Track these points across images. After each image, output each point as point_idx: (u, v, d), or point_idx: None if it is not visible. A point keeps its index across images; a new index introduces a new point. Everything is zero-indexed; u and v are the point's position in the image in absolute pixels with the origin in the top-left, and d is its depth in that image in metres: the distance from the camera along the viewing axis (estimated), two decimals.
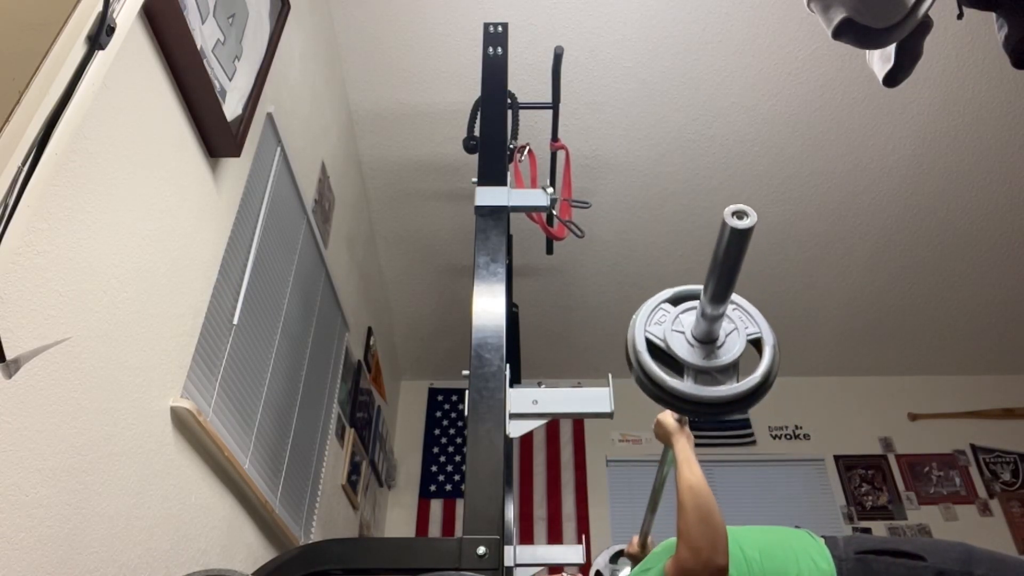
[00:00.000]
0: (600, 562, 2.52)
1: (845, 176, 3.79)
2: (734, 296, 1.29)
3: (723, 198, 3.89)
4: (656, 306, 1.38)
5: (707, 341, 1.30)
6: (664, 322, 1.34)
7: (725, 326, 1.30)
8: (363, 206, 3.82)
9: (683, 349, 1.30)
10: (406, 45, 3.24)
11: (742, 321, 1.33)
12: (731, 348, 1.29)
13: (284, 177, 2.41)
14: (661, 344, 1.32)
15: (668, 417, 1.69)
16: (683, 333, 1.32)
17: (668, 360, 1.31)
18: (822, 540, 1.58)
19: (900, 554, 1.49)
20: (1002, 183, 3.80)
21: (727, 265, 1.12)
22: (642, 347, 1.32)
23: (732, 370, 1.28)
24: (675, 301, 1.38)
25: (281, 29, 2.13)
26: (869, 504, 4.58)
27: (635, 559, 2.24)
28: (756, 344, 1.32)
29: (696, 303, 1.30)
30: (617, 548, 2.52)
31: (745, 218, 1.04)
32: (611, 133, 3.59)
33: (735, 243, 1.07)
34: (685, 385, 1.27)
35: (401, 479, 4.68)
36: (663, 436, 1.71)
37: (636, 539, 2.23)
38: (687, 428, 1.67)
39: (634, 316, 1.38)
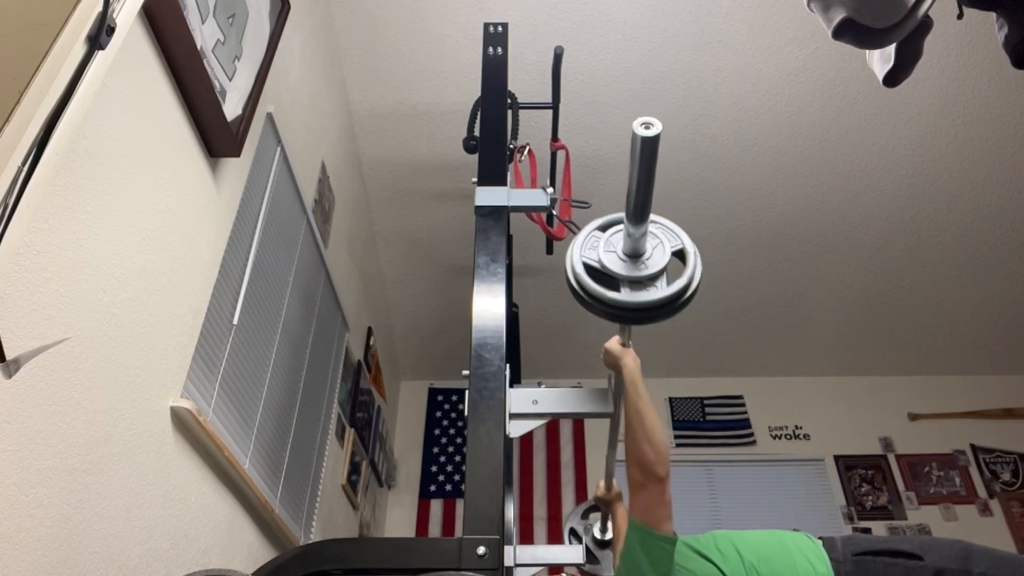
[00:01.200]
0: (573, 519, 2.55)
1: (845, 176, 3.79)
2: (656, 217, 1.45)
3: (723, 198, 3.90)
4: (588, 234, 1.53)
5: (636, 256, 1.44)
6: (597, 247, 1.49)
7: (651, 242, 1.45)
8: (363, 206, 3.82)
9: (616, 265, 1.45)
10: (406, 45, 3.24)
11: (666, 236, 1.48)
12: (658, 259, 1.44)
13: (284, 177, 2.41)
14: (596, 265, 1.46)
15: (613, 343, 1.72)
16: (614, 252, 1.47)
17: (604, 279, 1.45)
18: (820, 542, 1.58)
19: (898, 554, 1.49)
20: (1002, 183, 3.80)
21: (642, 177, 1.25)
22: (580, 270, 1.47)
23: (661, 276, 1.43)
24: (604, 228, 1.52)
25: (281, 29, 2.13)
26: (869, 504, 4.58)
27: (603, 502, 2.28)
28: (680, 255, 1.46)
29: (623, 226, 1.44)
30: (588, 504, 2.56)
31: (652, 127, 1.17)
32: (611, 133, 3.59)
33: (646, 152, 1.20)
34: (621, 295, 1.42)
35: (401, 479, 4.68)
36: (611, 363, 1.72)
37: (602, 483, 2.26)
38: (632, 349, 1.70)
39: (570, 246, 1.53)
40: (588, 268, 1.47)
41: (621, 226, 1.46)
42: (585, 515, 2.55)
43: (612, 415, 1.79)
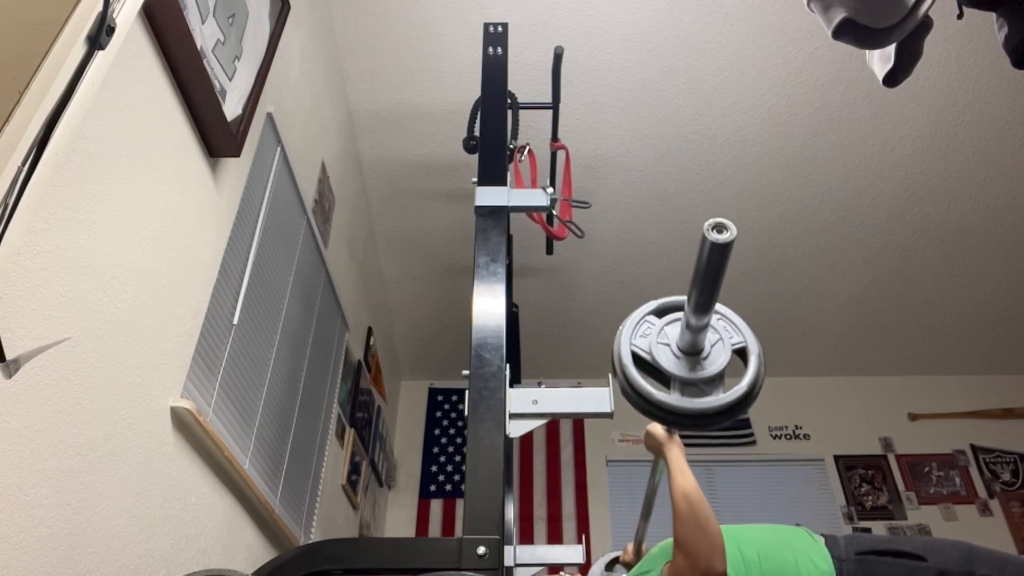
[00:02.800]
0: (596, 571, 2.51)
1: (845, 176, 3.79)
2: (718, 306, 1.29)
3: (723, 198, 3.90)
4: (641, 318, 1.38)
5: (692, 352, 1.30)
6: (649, 334, 1.35)
7: (710, 337, 1.31)
8: (363, 206, 3.82)
9: (669, 361, 1.31)
10: (406, 45, 3.24)
11: (726, 331, 1.34)
12: (716, 359, 1.30)
13: (284, 177, 2.41)
14: (647, 357, 1.32)
15: (658, 427, 1.68)
16: (668, 345, 1.33)
17: (654, 372, 1.32)
18: (822, 539, 1.57)
19: (901, 554, 1.48)
20: (1002, 183, 3.80)
21: (709, 278, 1.12)
22: (628, 360, 1.33)
23: (718, 381, 1.29)
24: (660, 313, 1.39)
25: (281, 29, 2.13)
26: (869, 504, 4.58)
27: (630, 567, 2.22)
28: (741, 353, 1.33)
29: (680, 314, 1.31)
30: (612, 555, 2.51)
31: (725, 232, 1.05)
32: (611, 133, 3.59)
33: (716, 257, 1.08)
34: (672, 398, 1.28)
35: (401, 479, 4.68)
36: (654, 447, 1.70)
37: (631, 547, 2.22)
38: (677, 436, 1.67)
39: (620, 328, 1.38)
40: (637, 358, 1.33)
41: (679, 314, 1.33)
42: (609, 566, 2.51)
43: (611, 415, 1.79)
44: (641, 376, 1.30)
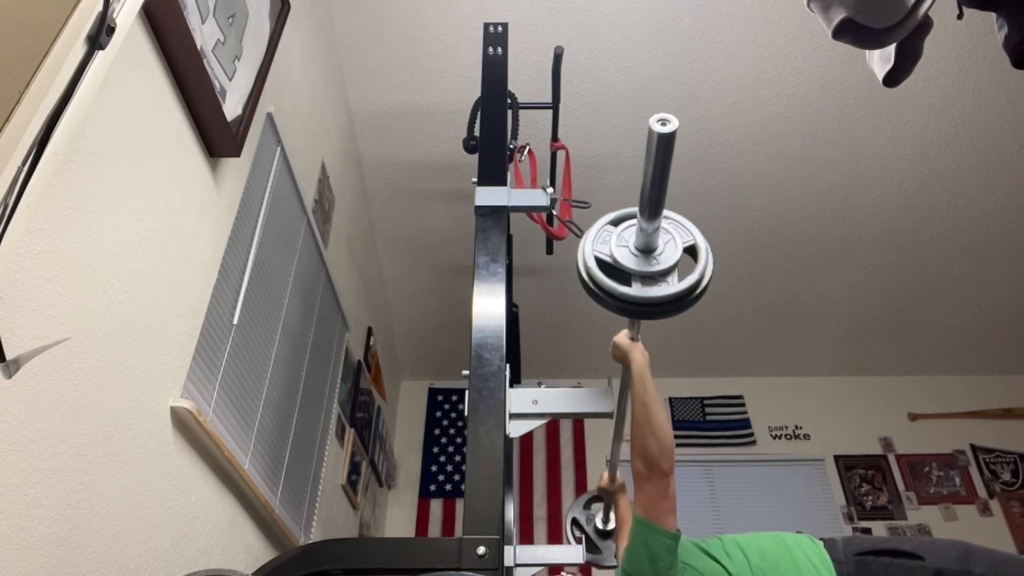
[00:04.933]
0: (576, 510, 2.55)
1: (845, 176, 3.79)
2: (668, 212, 1.44)
3: (723, 198, 3.90)
4: (600, 228, 1.52)
5: (648, 251, 1.45)
6: (609, 241, 1.48)
7: (663, 237, 1.46)
8: (363, 206, 3.82)
9: (628, 259, 1.45)
10: (406, 45, 3.24)
11: (678, 232, 1.48)
12: (669, 255, 1.44)
13: (284, 177, 2.41)
14: (608, 259, 1.46)
15: (622, 336, 1.73)
16: (626, 247, 1.47)
17: (616, 273, 1.45)
18: (822, 544, 1.58)
19: (899, 554, 1.49)
20: (1002, 183, 3.80)
21: (657, 171, 1.24)
22: (592, 263, 1.46)
23: (672, 271, 1.44)
24: (616, 223, 1.52)
25: (281, 29, 2.13)
26: (869, 504, 4.58)
27: (607, 492, 2.29)
28: (691, 251, 1.47)
29: (635, 221, 1.44)
30: (590, 494, 2.56)
31: (668, 123, 1.16)
32: (611, 133, 3.59)
33: (662, 149, 1.19)
34: (633, 290, 1.42)
35: (401, 479, 4.68)
36: (620, 356, 1.73)
37: (605, 474, 2.27)
38: (640, 344, 1.71)
39: (581, 240, 1.52)
40: (600, 262, 1.47)
41: (634, 221, 1.46)
42: (587, 505, 2.56)
43: (615, 412, 1.79)
44: (605, 276, 1.44)
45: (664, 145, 1.19)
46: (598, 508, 2.48)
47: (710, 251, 1.46)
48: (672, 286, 1.41)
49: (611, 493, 2.27)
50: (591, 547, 2.41)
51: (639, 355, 1.67)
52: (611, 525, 2.38)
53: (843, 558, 1.52)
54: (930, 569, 1.44)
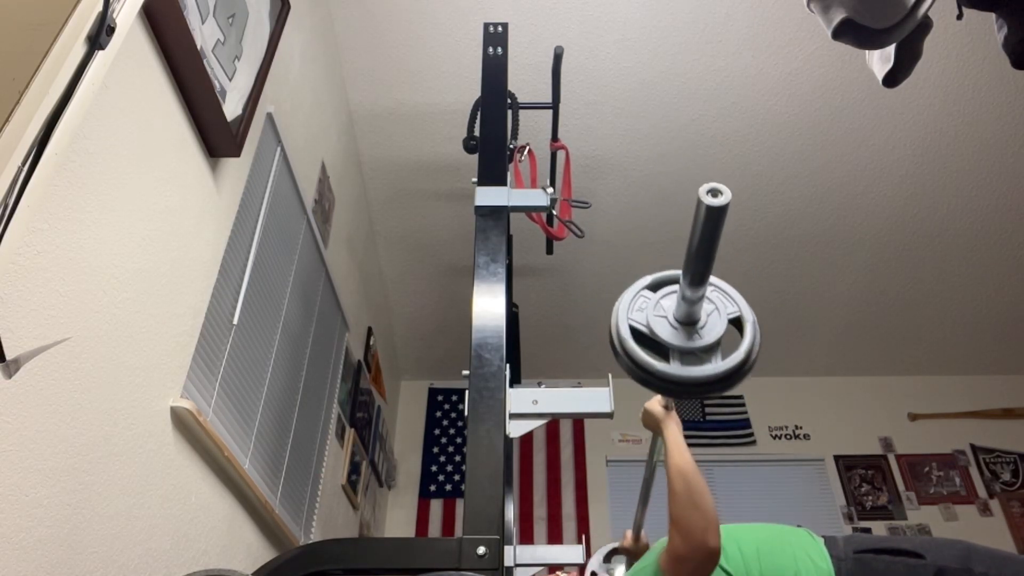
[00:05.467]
0: (595, 562, 2.50)
1: (845, 176, 3.79)
2: (713, 278, 1.32)
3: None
4: (636, 293, 1.40)
5: (689, 323, 1.32)
6: (646, 308, 1.36)
7: (705, 307, 1.33)
8: (363, 206, 3.82)
9: (666, 332, 1.32)
10: (406, 45, 3.24)
11: (721, 302, 1.35)
12: (713, 328, 1.31)
13: (284, 177, 2.41)
14: (644, 330, 1.34)
15: (655, 404, 1.69)
16: (665, 317, 1.34)
17: (652, 344, 1.33)
18: (821, 540, 1.57)
19: (899, 552, 1.48)
20: (1002, 183, 3.80)
21: (704, 245, 1.13)
22: (626, 334, 1.34)
23: (715, 349, 1.30)
24: (654, 287, 1.40)
25: (281, 29, 2.13)
26: (869, 504, 4.58)
27: (629, 553, 2.23)
28: (737, 323, 1.34)
29: (676, 287, 1.32)
30: (611, 546, 2.51)
31: (720, 195, 1.05)
32: (611, 133, 3.59)
33: (711, 221, 1.08)
34: (671, 367, 1.29)
35: (401, 479, 4.68)
36: (651, 424, 1.70)
37: (629, 533, 2.22)
38: (674, 413, 1.67)
39: (616, 305, 1.40)
40: (635, 332, 1.34)
41: (674, 287, 1.33)
42: (607, 558, 2.50)
43: (611, 415, 1.79)
44: (640, 348, 1.31)
45: (714, 219, 1.08)
46: (619, 559, 2.41)
47: (757, 324, 1.32)
48: (715, 365, 1.27)
49: (635, 554, 2.17)
50: None
51: (674, 425, 1.61)
52: None
53: (843, 554, 1.51)
54: (931, 567, 1.44)
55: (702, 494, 1.40)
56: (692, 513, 1.38)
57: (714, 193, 1.05)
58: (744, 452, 4.80)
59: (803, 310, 4.59)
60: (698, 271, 1.19)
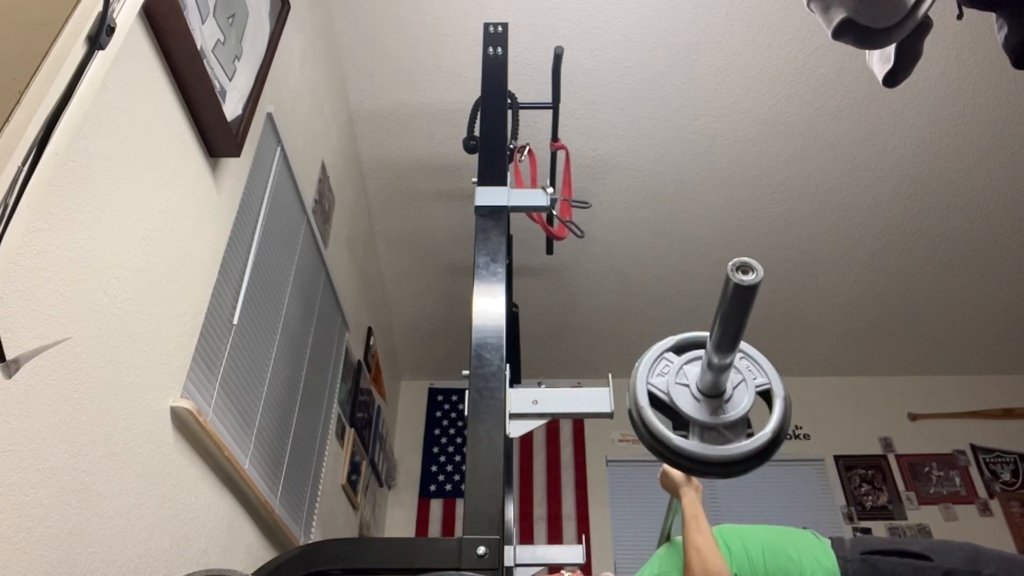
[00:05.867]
0: None
1: (845, 176, 3.79)
2: (742, 345, 1.23)
3: (723, 198, 3.90)
4: (659, 355, 1.30)
5: (713, 395, 1.22)
6: (667, 373, 1.27)
7: (732, 377, 1.23)
8: (363, 206, 3.82)
9: (688, 404, 1.22)
10: (406, 45, 3.24)
11: (750, 371, 1.25)
12: (739, 402, 1.22)
13: (284, 177, 2.41)
14: (665, 398, 1.24)
15: (675, 469, 1.68)
16: (688, 386, 1.24)
17: (672, 415, 1.25)
18: (828, 541, 1.57)
19: (907, 554, 1.48)
20: (1002, 183, 3.80)
21: (732, 319, 1.06)
22: (644, 401, 1.25)
23: (741, 426, 1.21)
24: (679, 350, 1.31)
25: (281, 29, 2.13)
26: (869, 504, 4.58)
27: None
28: (765, 396, 1.25)
29: (701, 352, 1.22)
30: None
31: (751, 273, 0.98)
32: (611, 133, 3.59)
33: (740, 299, 1.02)
34: (691, 444, 1.20)
35: (401, 479, 4.68)
36: (670, 487, 1.68)
37: None
38: (696, 480, 1.64)
39: (636, 365, 1.31)
40: (654, 399, 1.25)
41: (699, 352, 1.24)
42: None
43: (611, 415, 1.79)
44: (658, 418, 1.23)
45: (743, 298, 1.00)
46: None
47: (789, 399, 1.23)
48: (738, 444, 1.18)
49: None
50: None
51: (692, 492, 1.60)
52: None
53: (849, 555, 1.51)
54: (939, 570, 1.43)
55: (720, 571, 1.41)
56: None
57: (744, 270, 0.98)
58: None
59: (803, 310, 4.59)
60: (726, 342, 1.11)
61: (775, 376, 1.26)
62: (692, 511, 1.56)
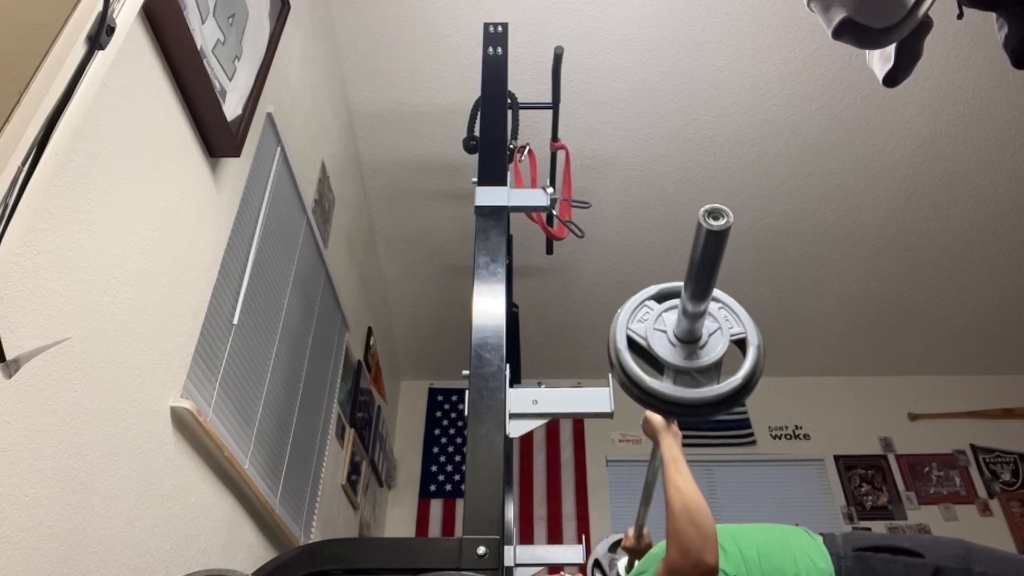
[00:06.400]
0: (599, 551, 2.51)
1: (845, 176, 3.79)
2: (720, 294, 1.29)
3: (723, 198, 3.87)
4: (640, 303, 1.36)
5: (689, 340, 1.27)
6: (647, 320, 1.32)
7: (708, 325, 1.28)
8: (363, 206, 3.82)
9: (664, 349, 1.28)
10: (406, 45, 3.24)
11: (727, 320, 1.30)
12: (713, 348, 1.26)
13: (284, 177, 2.41)
14: (643, 343, 1.30)
15: (655, 414, 1.68)
16: (665, 332, 1.30)
17: (649, 359, 1.29)
18: (820, 538, 1.57)
19: (899, 551, 1.48)
20: (1002, 183, 3.80)
21: (705, 266, 1.10)
22: (623, 345, 1.30)
23: (713, 371, 1.26)
24: (660, 298, 1.36)
25: (281, 29, 2.13)
26: (869, 504, 4.58)
27: (631, 552, 2.24)
28: (740, 344, 1.29)
29: (679, 301, 1.27)
30: (615, 537, 2.51)
31: (721, 218, 1.02)
32: (611, 133, 3.59)
33: (711, 245, 1.06)
34: (664, 386, 1.25)
35: (401, 479, 4.68)
36: (651, 433, 1.70)
37: (631, 531, 2.23)
38: (675, 426, 1.66)
39: (618, 311, 1.36)
40: (632, 344, 1.30)
41: (678, 301, 1.28)
42: (612, 548, 2.50)
43: (611, 415, 1.79)
44: (635, 362, 1.29)
45: (714, 243, 1.04)
46: (622, 553, 2.40)
47: (763, 347, 1.26)
48: (710, 388, 1.23)
49: (637, 552, 2.19)
50: None
51: (671, 438, 1.60)
52: None
53: (842, 552, 1.51)
54: (930, 567, 1.44)
55: (700, 511, 1.39)
56: (689, 530, 1.37)
57: (715, 216, 1.02)
58: (744, 452, 4.80)
59: (803, 310, 4.59)
60: (699, 289, 1.16)
61: (751, 325, 1.30)
62: (671, 454, 1.56)
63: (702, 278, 1.13)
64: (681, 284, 1.26)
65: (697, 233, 1.05)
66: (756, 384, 1.25)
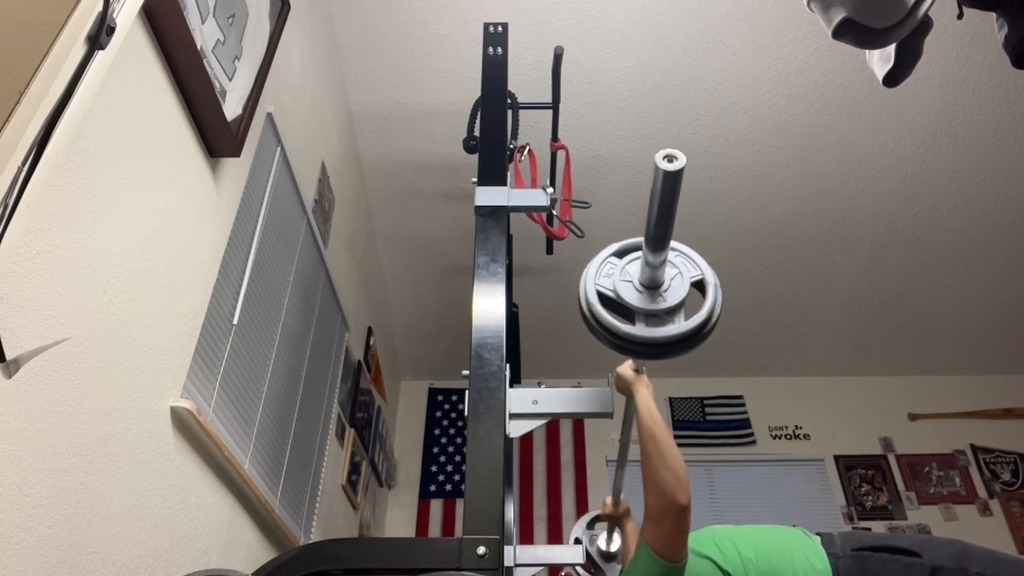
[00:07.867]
0: (578, 529, 2.54)
1: (845, 176, 3.79)
2: (676, 244, 1.39)
3: (723, 198, 3.90)
4: (603, 260, 1.46)
5: (653, 287, 1.38)
6: (612, 274, 1.42)
7: (669, 271, 1.39)
8: (363, 206, 3.82)
9: (632, 296, 1.38)
10: (406, 45, 3.24)
11: (685, 266, 1.42)
12: (676, 291, 1.38)
13: (284, 177, 2.41)
14: (611, 294, 1.40)
15: (626, 368, 1.71)
16: (631, 282, 1.40)
17: (619, 308, 1.39)
18: (817, 539, 1.58)
19: (896, 551, 1.49)
20: (1002, 183, 3.80)
21: (663, 209, 1.20)
22: (595, 299, 1.40)
23: (679, 310, 1.37)
24: (620, 254, 1.46)
25: (281, 29, 2.13)
26: (869, 504, 4.58)
27: (610, 519, 2.25)
28: (699, 286, 1.40)
29: (640, 253, 1.38)
30: (593, 514, 2.54)
31: (675, 160, 1.13)
32: (611, 133, 3.59)
33: (668, 185, 1.15)
34: (637, 329, 1.35)
35: (401, 479, 4.68)
36: (623, 388, 1.71)
37: (609, 499, 2.24)
38: (645, 377, 1.68)
39: (584, 272, 1.44)
40: (602, 297, 1.40)
41: (639, 253, 1.39)
42: (591, 525, 2.52)
43: (611, 415, 1.79)
44: (607, 312, 1.38)
45: (671, 184, 1.14)
46: (602, 527, 2.44)
47: (719, 286, 1.39)
48: (678, 326, 1.34)
49: (616, 519, 2.22)
50: (594, 569, 2.38)
51: (643, 388, 1.63)
52: (614, 546, 2.36)
53: (840, 552, 1.51)
54: (927, 566, 1.44)
55: (672, 454, 1.45)
56: (663, 473, 1.43)
57: (670, 159, 1.13)
58: (744, 452, 4.80)
59: (803, 310, 4.59)
60: (659, 236, 1.26)
61: (707, 268, 1.42)
62: (644, 403, 1.59)
63: (661, 221, 1.23)
64: (639, 239, 1.37)
65: (655, 177, 1.15)
66: (718, 319, 1.36)
